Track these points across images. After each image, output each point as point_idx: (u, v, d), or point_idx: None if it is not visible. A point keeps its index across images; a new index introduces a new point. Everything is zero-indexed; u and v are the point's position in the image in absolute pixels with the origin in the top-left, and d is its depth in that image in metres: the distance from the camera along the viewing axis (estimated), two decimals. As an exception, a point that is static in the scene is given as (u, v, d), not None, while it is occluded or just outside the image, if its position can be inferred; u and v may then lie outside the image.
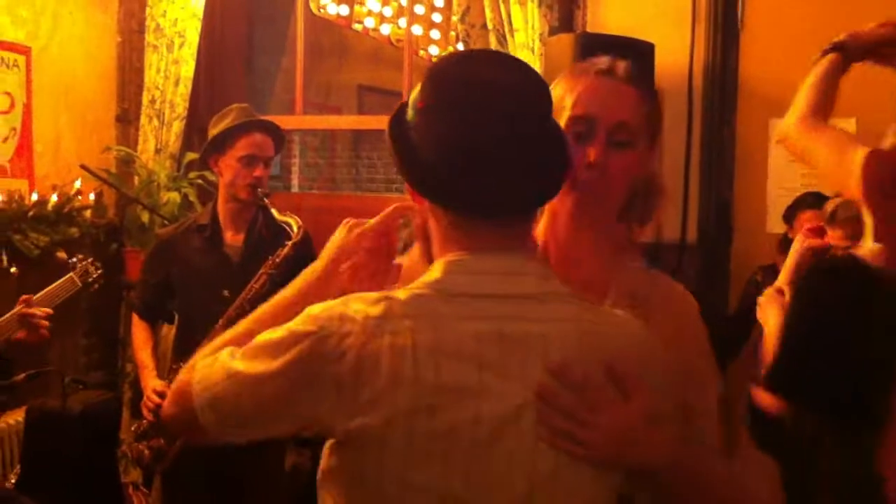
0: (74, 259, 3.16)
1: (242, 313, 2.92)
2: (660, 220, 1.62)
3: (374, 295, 1.21)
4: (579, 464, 1.18)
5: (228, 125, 3.08)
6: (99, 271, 3.16)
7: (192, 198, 4.47)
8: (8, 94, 4.11)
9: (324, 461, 1.25)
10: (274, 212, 3.04)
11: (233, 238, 3.15)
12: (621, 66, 1.48)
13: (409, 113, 1.25)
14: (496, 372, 1.16)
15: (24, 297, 2.85)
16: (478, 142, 1.18)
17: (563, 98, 1.42)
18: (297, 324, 1.22)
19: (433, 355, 1.15)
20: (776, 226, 3.75)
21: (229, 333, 1.41)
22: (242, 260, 3.09)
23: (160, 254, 3.28)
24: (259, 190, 3.05)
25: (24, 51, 4.20)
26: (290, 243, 2.97)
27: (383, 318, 1.17)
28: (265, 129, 3.14)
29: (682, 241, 3.97)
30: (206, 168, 3.25)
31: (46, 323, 2.85)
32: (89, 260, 3.17)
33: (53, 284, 2.98)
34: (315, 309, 1.22)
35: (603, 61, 1.47)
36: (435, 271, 1.22)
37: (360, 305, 1.19)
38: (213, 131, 3.12)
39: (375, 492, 1.18)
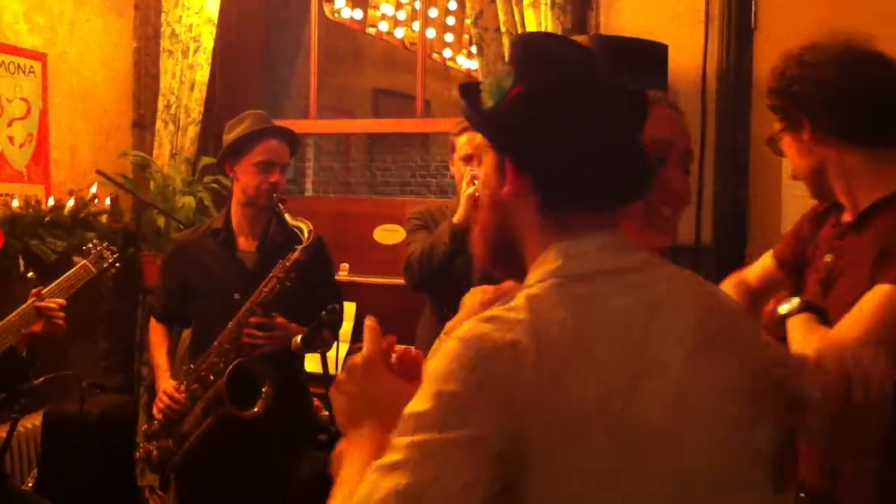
0: (88, 245, 3.16)
1: (251, 316, 2.96)
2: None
3: (507, 306, 1.14)
4: (747, 423, 1.20)
5: (245, 131, 3.09)
6: (114, 255, 3.15)
7: (207, 202, 4.49)
8: (25, 100, 4.15)
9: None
10: (287, 216, 3.05)
11: (246, 243, 3.16)
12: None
13: (499, 94, 1.22)
14: (654, 343, 1.15)
15: (35, 289, 2.86)
16: (598, 131, 1.18)
17: None
18: (447, 365, 1.09)
19: (600, 338, 1.12)
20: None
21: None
22: (256, 265, 3.10)
23: (176, 258, 3.30)
24: (274, 195, 3.06)
25: (41, 57, 4.23)
26: (300, 248, 2.97)
27: (536, 317, 1.11)
28: (281, 135, 3.15)
29: (697, 243, 3.95)
30: (221, 173, 3.26)
31: (61, 314, 2.86)
32: (104, 244, 3.16)
33: (66, 274, 3.00)
34: (455, 344, 1.10)
35: (658, 94, 1.49)
36: (550, 261, 1.18)
37: (500, 312, 1.13)
38: (229, 137, 3.13)
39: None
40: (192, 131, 4.62)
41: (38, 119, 4.22)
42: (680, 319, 1.18)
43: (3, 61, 4.03)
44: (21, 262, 3.84)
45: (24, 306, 2.85)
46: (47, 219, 4.06)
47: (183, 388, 2.99)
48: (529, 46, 1.27)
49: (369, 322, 1.30)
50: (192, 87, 4.60)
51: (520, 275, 1.24)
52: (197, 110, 4.61)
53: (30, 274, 3.81)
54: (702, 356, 1.17)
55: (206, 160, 4.53)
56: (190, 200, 4.44)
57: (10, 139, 4.07)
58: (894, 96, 1.96)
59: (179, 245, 3.34)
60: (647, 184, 1.25)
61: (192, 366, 3.02)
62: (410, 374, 1.28)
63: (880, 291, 1.86)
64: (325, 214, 4.49)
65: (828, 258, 2.07)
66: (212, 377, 2.94)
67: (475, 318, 1.13)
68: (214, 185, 4.49)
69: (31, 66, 4.18)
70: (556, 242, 1.19)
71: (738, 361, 1.21)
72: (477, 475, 1.03)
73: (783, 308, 2.01)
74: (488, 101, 1.23)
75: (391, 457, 1.05)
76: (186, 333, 3.62)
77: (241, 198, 3.13)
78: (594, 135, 1.18)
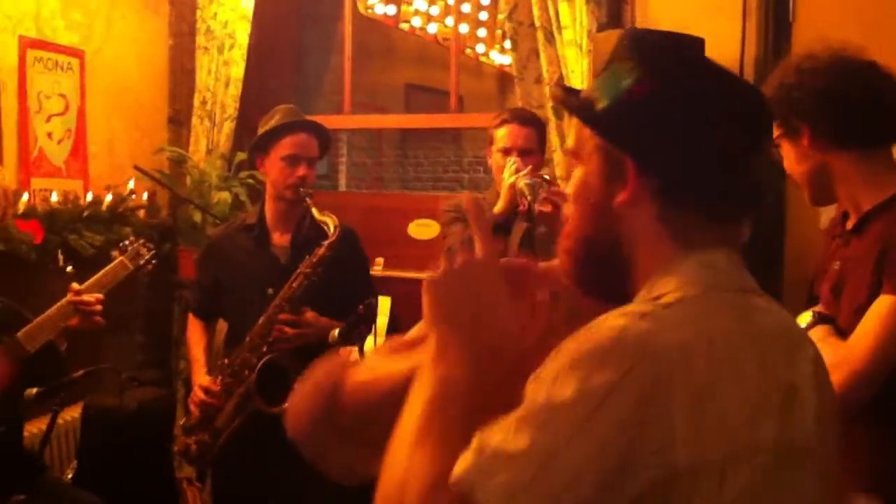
0: (126, 242, 3.19)
1: (280, 312, 2.97)
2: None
3: (647, 307, 1.04)
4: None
5: (273, 125, 3.11)
6: (151, 252, 3.18)
7: (242, 197, 4.51)
8: (63, 96, 4.19)
9: None
10: (314, 211, 3.05)
11: (280, 238, 3.18)
12: None
13: (617, 92, 1.11)
14: (797, 363, 1.09)
15: (73, 286, 2.90)
16: (724, 136, 1.10)
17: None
18: (586, 346, 0.98)
19: (758, 352, 1.04)
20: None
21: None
22: (289, 260, 3.11)
23: (210, 254, 3.32)
24: (301, 189, 3.07)
25: (79, 54, 4.27)
26: (326, 243, 2.98)
27: (699, 320, 1.02)
28: (309, 129, 3.16)
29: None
30: (255, 168, 3.29)
31: (99, 308, 2.89)
32: (140, 241, 3.19)
33: (103, 270, 3.03)
34: (600, 335, 0.99)
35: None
36: (689, 271, 1.08)
37: (653, 308, 1.03)
38: (261, 132, 3.16)
39: None
40: (228, 127, 4.65)
41: (76, 115, 4.26)
42: (803, 347, 1.13)
43: (42, 58, 4.07)
44: (60, 256, 3.89)
45: (61, 302, 2.89)
46: (85, 214, 4.10)
47: (218, 382, 3.02)
48: (650, 42, 1.19)
49: (469, 204, 1.19)
50: (227, 84, 4.63)
51: (615, 294, 1.12)
52: (232, 106, 4.64)
53: (69, 268, 3.86)
54: (823, 387, 1.12)
55: (241, 156, 4.56)
56: (226, 196, 4.47)
57: (49, 135, 4.12)
58: (888, 102, 2.04)
59: (213, 241, 3.37)
60: (759, 201, 1.15)
61: (226, 360, 3.04)
62: (514, 286, 1.15)
63: (883, 303, 1.94)
64: (357, 209, 4.49)
65: (836, 266, 2.14)
66: (245, 372, 2.97)
67: (624, 311, 1.02)
68: (250, 181, 4.52)
69: (69, 63, 4.23)
70: (682, 256, 1.09)
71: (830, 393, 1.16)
72: (607, 476, 0.93)
73: (800, 322, 2.08)
74: (602, 101, 1.12)
75: (513, 440, 0.95)
76: (222, 326, 3.65)
77: (272, 192, 3.15)
78: (726, 141, 1.09)
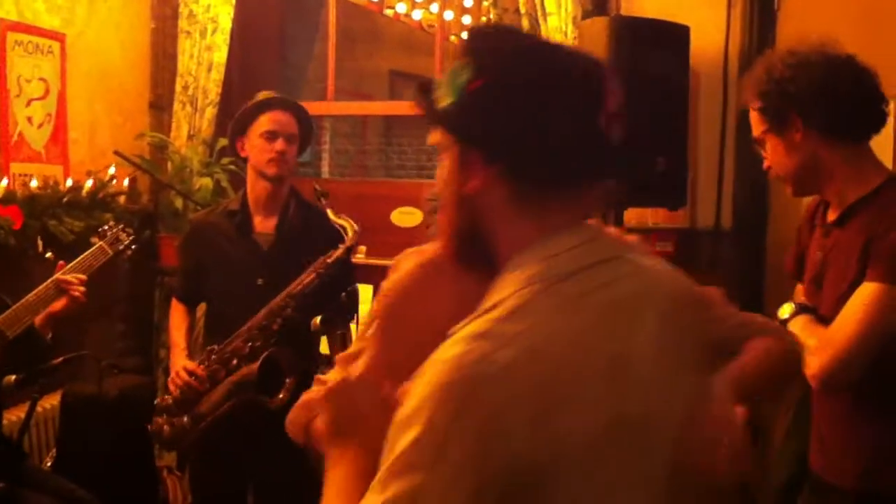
0: (105, 227, 3.16)
1: (286, 308, 2.95)
2: (694, 206, 1.61)
3: (491, 317, 1.13)
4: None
5: (250, 104, 3.11)
6: (130, 237, 3.16)
7: (224, 183, 4.48)
8: (43, 80, 4.14)
9: None
10: (330, 213, 3.04)
11: (263, 224, 3.16)
12: None
13: (458, 89, 1.20)
14: (635, 332, 1.19)
15: (60, 263, 2.87)
16: (560, 114, 1.17)
17: None
18: (432, 393, 1.07)
19: (593, 339, 1.15)
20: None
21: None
22: (272, 248, 3.09)
23: (192, 239, 3.30)
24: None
25: (60, 37, 4.22)
26: (344, 247, 2.98)
27: (530, 329, 1.11)
28: (287, 107, 3.15)
29: (717, 228, 3.93)
30: (236, 153, 3.27)
31: (82, 288, 2.86)
32: (120, 227, 3.17)
33: (84, 254, 3.00)
34: (441, 367, 1.08)
35: None
36: (531, 264, 1.17)
37: (490, 326, 1.12)
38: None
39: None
40: (210, 113, 4.61)
41: (56, 99, 4.21)
42: (654, 307, 1.22)
43: (22, 41, 4.02)
44: (39, 242, 3.85)
45: (42, 286, 2.86)
46: (65, 199, 4.06)
47: (203, 367, 2.99)
48: (482, 39, 1.26)
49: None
50: (209, 69, 4.60)
51: (490, 270, 1.22)
52: (215, 91, 4.60)
53: (48, 254, 3.82)
54: (668, 337, 1.22)
55: (223, 142, 4.52)
56: (207, 182, 4.44)
57: (29, 119, 4.07)
58: (875, 93, 2.11)
59: (195, 226, 3.35)
60: (611, 162, 1.24)
61: (215, 346, 3.02)
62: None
63: (867, 290, 2.00)
64: (341, 197, 4.45)
65: (818, 256, 2.21)
66: (235, 361, 2.95)
67: (461, 335, 1.11)
68: (232, 167, 4.48)
69: (50, 46, 4.18)
70: (533, 239, 1.19)
71: (699, 341, 1.29)
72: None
73: (782, 314, 2.19)
74: (446, 98, 1.21)
75: (382, 493, 1.06)
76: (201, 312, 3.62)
77: (254, 174, 3.13)
78: (557, 118, 1.17)
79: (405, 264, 1.42)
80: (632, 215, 3.81)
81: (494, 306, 1.14)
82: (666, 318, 1.22)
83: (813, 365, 2.00)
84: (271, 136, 3.08)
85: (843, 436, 2.15)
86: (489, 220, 1.22)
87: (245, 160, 3.20)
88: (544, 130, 1.16)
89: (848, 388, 2.05)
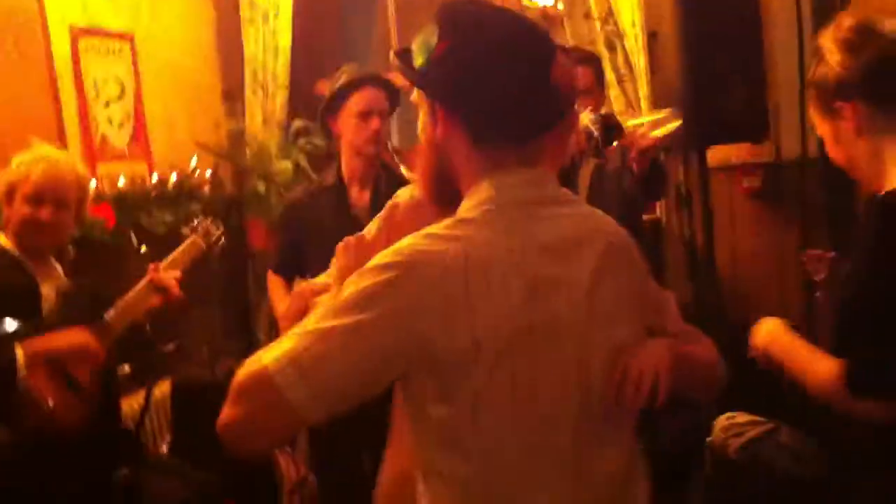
0: (194, 222, 3.21)
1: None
2: (777, 138, 1.60)
3: (443, 224, 1.36)
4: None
5: (340, 84, 3.12)
6: (220, 230, 3.20)
7: (302, 164, 4.54)
8: (118, 80, 4.23)
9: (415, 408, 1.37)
10: (403, 170, 3.03)
11: (359, 196, 3.19)
12: None
13: (427, 52, 1.41)
14: (572, 261, 1.39)
15: (152, 264, 2.93)
16: (512, 73, 1.37)
17: None
18: (379, 261, 1.31)
19: (525, 255, 1.34)
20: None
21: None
22: (369, 219, 3.10)
23: (290, 215, 3.34)
24: (390, 145, 3.08)
25: (128, 37, 4.30)
26: None
27: (469, 237, 1.33)
28: (376, 83, 3.16)
29: (804, 157, 3.83)
30: (325, 132, 3.28)
31: (175, 285, 2.91)
32: (208, 220, 3.22)
33: (176, 250, 3.05)
34: (393, 248, 1.33)
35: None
36: (483, 191, 1.39)
37: (437, 230, 1.34)
38: (329, 93, 3.16)
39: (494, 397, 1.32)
40: (282, 96, 4.67)
41: (132, 98, 4.30)
42: (593, 247, 1.41)
43: (93, 45, 4.11)
44: (133, 238, 3.95)
45: (142, 282, 2.92)
46: (153, 194, 4.15)
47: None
48: (449, 8, 1.44)
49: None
50: (276, 54, 4.64)
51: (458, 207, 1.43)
52: (284, 75, 4.65)
53: (143, 249, 3.92)
54: (606, 274, 1.41)
55: (297, 123, 4.58)
56: (287, 164, 4.51)
57: (110, 120, 4.16)
58: None
59: (292, 203, 3.40)
60: (557, 118, 1.44)
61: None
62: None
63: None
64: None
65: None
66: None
67: (413, 235, 1.34)
68: (308, 147, 4.54)
69: (120, 48, 4.26)
70: (488, 176, 1.40)
71: (630, 281, 1.47)
72: (363, 362, 1.26)
73: None
74: (419, 59, 1.42)
75: (296, 331, 1.27)
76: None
77: (349, 151, 3.16)
78: (509, 76, 1.36)
79: (402, 196, 1.70)
80: (715, 155, 3.75)
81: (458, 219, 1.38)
82: (603, 258, 1.41)
83: None
84: (366, 115, 3.11)
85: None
86: (455, 163, 1.44)
87: (335, 137, 3.21)
88: (496, 87, 1.36)
89: None
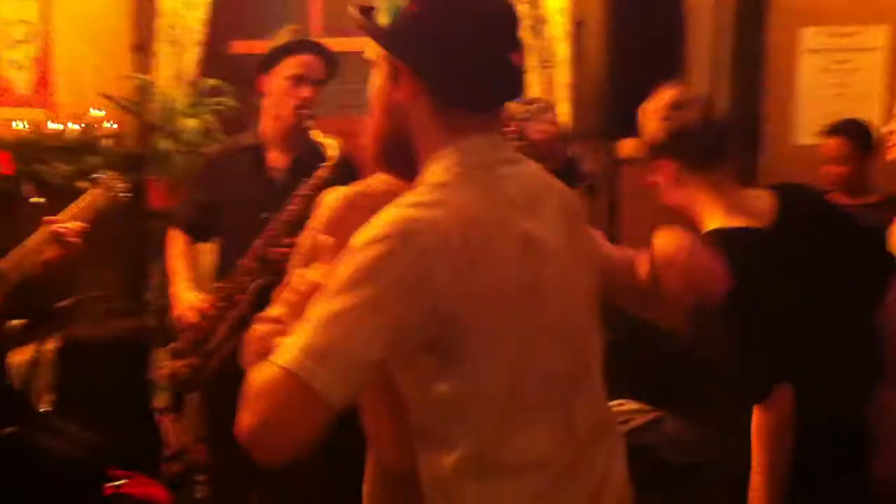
0: (97, 174, 3.10)
1: (279, 235, 2.93)
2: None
3: (418, 192, 1.36)
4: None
5: (281, 44, 3.03)
6: (124, 184, 3.09)
7: (211, 123, 4.43)
8: (27, 22, 4.05)
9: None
10: (316, 133, 2.98)
11: (277, 159, 3.11)
12: None
13: (395, 12, 1.39)
14: (544, 218, 1.43)
15: (46, 218, 2.81)
16: (480, 44, 1.38)
17: None
18: (369, 235, 1.27)
19: (508, 213, 1.37)
20: (805, 137, 3.71)
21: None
22: (286, 182, 3.04)
23: (209, 173, 3.25)
24: (303, 111, 3.00)
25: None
26: (326, 165, 2.92)
27: (453, 199, 1.33)
28: (315, 50, 3.08)
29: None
30: (257, 87, 3.16)
31: (77, 238, 2.79)
32: (112, 174, 3.11)
33: (75, 202, 2.92)
34: (378, 221, 1.29)
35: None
36: (449, 155, 1.39)
37: (417, 197, 1.34)
38: (268, 50, 3.07)
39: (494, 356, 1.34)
40: (195, 52, 4.53)
41: (40, 42, 4.13)
42: (551, 201, 1.47)
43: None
44: (31, 187, 3.80)
45: (41, 231, 2.80)
46: (52, 143, 4.00)
47: (209, 305, 2.97)
48: None
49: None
50: (193, 6, 4.50)
51: (411, 173, 1.43)
52: (199, 30, 4.51)
53: (40, 199, 3.78)
54: (565, 225, 1.46)
55: (209, 81, 4.47)
56: (194, 123, 4.39)
57: (13, 63, 4.00)
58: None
59: (212, 160, 3.31)
60: (517, 91, 1.47)
61: (220, 284, 3.00)
62: None
63: None
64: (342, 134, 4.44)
65: None
66: (237, 296, 2.93)
67: (394, 203, 1.32)
68: (219, 107, 4.43)
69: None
70: (450, 141, 1.40)
71: (580, 231, 1.55)
72: (379, 336, 1.24)
73: None
74: (384, 19, 1.40)
75: (301, 328, 1.24)
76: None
77: (272, 112, 3.08)
78: (482, 42, 1.38)
79: (328, 200, 1.57)
80: (629, 146, 3.79)
81: (419, 185, 1.38)
82: (559, 212, 1.47)
83: None
84: (299, 80, 3.01)
85: None
86: (416, 128, 1.42)
87: (262, 96, 3.12)
88: (469, 53, 1.37)
89: None
